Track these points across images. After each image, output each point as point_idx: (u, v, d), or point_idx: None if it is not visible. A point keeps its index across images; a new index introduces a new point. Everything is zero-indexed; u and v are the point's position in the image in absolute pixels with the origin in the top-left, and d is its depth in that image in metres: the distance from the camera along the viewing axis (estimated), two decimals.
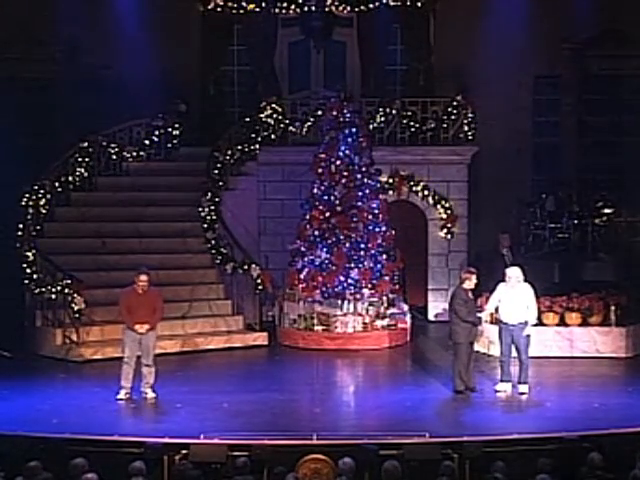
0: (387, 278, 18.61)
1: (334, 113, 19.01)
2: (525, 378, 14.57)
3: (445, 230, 20.90)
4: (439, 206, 20.87)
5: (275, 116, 21.00)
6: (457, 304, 14.72)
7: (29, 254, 18.09)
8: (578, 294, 17.34)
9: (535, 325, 16.66)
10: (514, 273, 14.62)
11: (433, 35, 22.70)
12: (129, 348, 14.43)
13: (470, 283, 14.70)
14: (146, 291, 14.50)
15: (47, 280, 17.66)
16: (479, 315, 14.70)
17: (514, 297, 14.50)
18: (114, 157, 21.15)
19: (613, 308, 17.06)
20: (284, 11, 22.55)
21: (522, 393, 14.48)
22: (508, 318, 14.52)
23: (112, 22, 21.57)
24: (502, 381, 14.67)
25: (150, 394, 14.42)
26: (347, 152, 18.76)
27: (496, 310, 15.07)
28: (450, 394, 14.68)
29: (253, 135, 21.00)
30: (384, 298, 18.60)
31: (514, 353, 14.63)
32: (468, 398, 14.45)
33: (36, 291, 17.83)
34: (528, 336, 14.60)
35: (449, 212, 20.85)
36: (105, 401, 14.16)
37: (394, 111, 21.07)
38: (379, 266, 18.54)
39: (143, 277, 14.45)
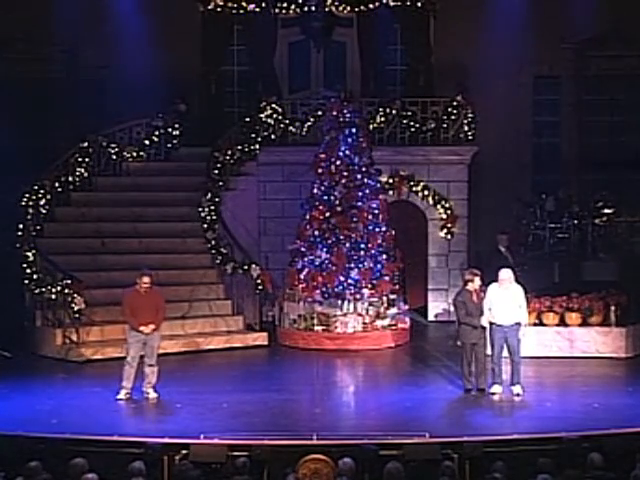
0: (387, 278, 18.60)
1: (334, 113, 19.02)
2: (518, 379, 14.53)
3: (445, 230, 20.90)
4: (439, 206, 20.87)
5: (275, 116, 21.01)
6: (456, 306, 14.76)
7: (29, 254, 18.09)
8: (578, 294, 17.32)
9: (535, 325, 16.75)
10: (506, 275, 14.57)
11: (433, 35, 22.69)
12: (133, 349, 14.40)
13: (473, 284, 14.68)
14: (148, 292, 14.49)
15: (47, 280, 17.67)
16: (482, 322, 14.61)
17: (507, 298, 14.44)
18: (114, 157, 21.15)
19: (613, 308, 17.04)
20: (284, 11, 22.54)
21: (517, 394, 14.45)
22: (501, 319, 14.44)
23: (112, 22, 21.59)
24: (494, 383, 14.64)
25: (152, 394, 14.42)
26: (347, 152, 18.76)
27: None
28: (450, 394, 14.69)
29: (253, 135, 21.00)
30: (384, 298, 18.59)
31: (505, 353, 14.60)
32: (470, 398, 14.45)
33: (36, 291, 17.83)
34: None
35: (449, 212, 20.85)
36: (105, 401, 14.16)
37: (394, 111, 21.08)
38: (379, 266, 18.54)
39: (146, 279, 14.43)
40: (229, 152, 20.70)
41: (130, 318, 14.46)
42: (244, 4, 22.49)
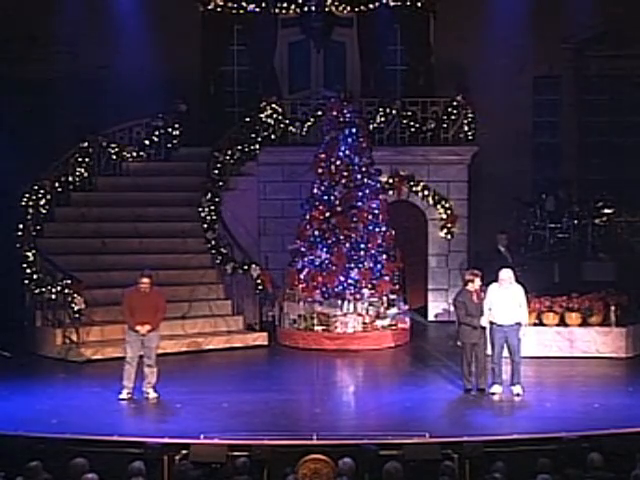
0: (387, 278, 18.60)
1: (334, 113, 19.01)
2: (518, 379, 14.53)
3: (445, 230, 20.90)
4: (439, 206, 20.86)
5: (275, 116, 21.01)
6: (456, 306, 14.76)
7: (29, 254, 18.09)
8: (578, 294, 17.33)
9: (535, 325, 16.75)
10: (506, 274, 14.59)
11: (433, 35, 22.70)
12: (131, 348, 14.43)
13: (473, 285, 14.69)
14: (149, 292, 14.51)
15: (47, 280, 17.66)
16: (481, 323, 14.63)
17: (507, 298, 14.45)
18: (114, 157, 21.15)
19: (613, 308, 17.04)
20: (284, 11, 22.55)
21: (517, 394, 14.45)
22: (501, 319, 14.45)
23: (112, 22, 21.60)
24: (494, 383, 14.64)
25: (152, 394, 14.43)
26: (347, 152, 18.76)
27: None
28: (450, 394, 14.70)
29: (253, 135, 21.00)
30: (384, 298, 18.59)
31: (505, 353, 14.61)
32: (470, 398, 14.44)
33: (36, 291, 17.82)
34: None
35: (449, 212, 20.85)
36: (105, 401, 14.16)
37: (394, 111, 21.08)
38: (379, 266, 18.53)
39: (145, 280, 14.45)
40: (229, 152, 20.70)
41: (128, 317, 14.50)
42: (244, 4, 22.50)
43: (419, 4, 22.43)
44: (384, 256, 18.68)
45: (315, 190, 18.81)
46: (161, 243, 19.59)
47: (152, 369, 14.49)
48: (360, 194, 18.66)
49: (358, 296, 18.36)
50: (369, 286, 18.39)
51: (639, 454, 11.02)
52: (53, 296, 17.49)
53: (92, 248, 19.19)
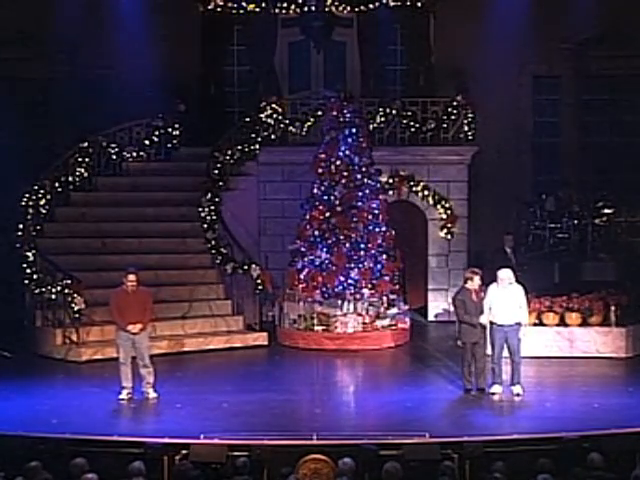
0: (387, 278, 18.61)
1: (334, 113, 19.02)
2: (518, 379, 14.53)
3: (445, 230, 20.90)
4: (439, 206, 20.86)
5: (275, 116, 21.01)
6: (456, 305, 14.76)
7: (29, 254, 18.09)
8: (578, 294, 17.33)
9: (535, 325, 16.76)
10: (506, 275, 14.59)
11: (433, 35, 22.70)
12: (123, 349, 14.39)
13: (473, 283, 14.68)
14: (136, 291, 14.47)
15: (47, 280, 17.66)
16: (481, 320, 14.62)
17: (507, 298, 14.44)
18: (114, 157, 21.15)
19: (613, 308, 17.04)
20: (284, 11, 22.55)
21: (517, 394, 14.45)
22: (501, 319, 14.45)
23: (112, 22, 21.58)
24: (494, 383, 14.64)
25: (152, 394, 14.41)
26: (347, 152, 18.76)
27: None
28: (450, 394, 14.70)
29: (253, 135, 21.00)
30: (384, 298, 18.59)
31: (505, 353, 14.61)
32: (471, 398, 14.44)
33: (36, 291, 17.82)
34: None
35: (449, 212, 20.85)
36: (105, 401, 14.17)
37: (394, 111, 21.07)
38: (379, 266, 18.54)
39: (131, 277, 14.40)
40: (229, 152, 20.70)
41: (117, 318, 14.44)
42: (244, 4, 22.50)
43: (419, 4, 22.43)
44: (384, 256, 18.69)
45: (315, 190, 18.81)
46: (161, 243, 19.59)
47: (148, 369, 14.47)
48: (360, 194, 18.67)
49: (358, 296, 18.36)
50: (369, 286, 18.40)
51: (639, 454, 11.02)
52: (53, 296, 17.49)
53: (92, 248, 19.19)
